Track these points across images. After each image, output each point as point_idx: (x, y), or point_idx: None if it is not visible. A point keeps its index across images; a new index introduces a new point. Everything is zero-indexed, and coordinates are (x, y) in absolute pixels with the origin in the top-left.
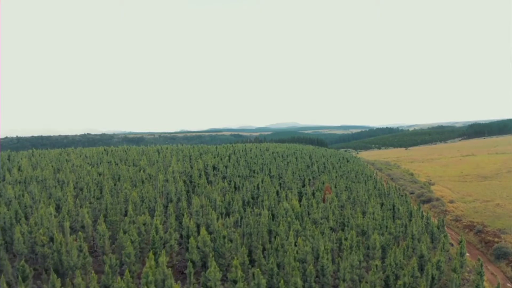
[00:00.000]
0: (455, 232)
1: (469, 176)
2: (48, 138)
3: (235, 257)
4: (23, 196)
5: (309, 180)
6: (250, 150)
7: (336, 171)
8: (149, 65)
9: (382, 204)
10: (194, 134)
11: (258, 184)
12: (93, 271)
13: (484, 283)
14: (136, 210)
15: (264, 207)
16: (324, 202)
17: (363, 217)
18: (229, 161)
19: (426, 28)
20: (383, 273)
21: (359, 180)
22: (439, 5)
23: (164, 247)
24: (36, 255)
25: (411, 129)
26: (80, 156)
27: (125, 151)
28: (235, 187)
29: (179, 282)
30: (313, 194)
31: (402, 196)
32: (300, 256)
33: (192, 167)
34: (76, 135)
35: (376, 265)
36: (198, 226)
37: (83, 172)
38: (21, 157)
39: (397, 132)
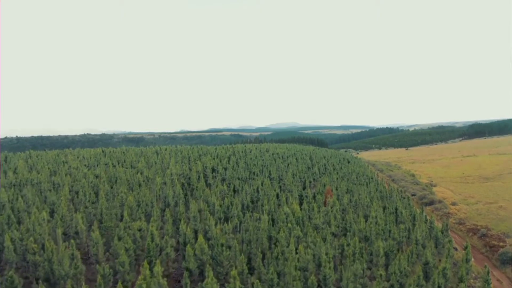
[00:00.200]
0: (459, 236)
1: (471, 177)
2: (48, 138)
3: (234, 265)
4: (16, 200)
5: (310, 182)
6: (250, 151)
7: (337, 173)
8: (149, 65)
9: (384, 208)
10: (194, 134)
11: (258, 187)
12: (84, 282)
13: None
14: (132, 215)
15: (264, 211)
16: (325, 206)
17: (366, 222)
18: (229, 163)
19: (426, 28)
20: (387, 281)
21: (361, 181)
22: (439, 5)
23: (160, 254)
24: (28, 263)
25: (411, 129)
26: (78, 157)
27: (124, 152)
28: (234, 190)
29: None
30: (314, 197)
31: (404, 198)
32: (301, 265)
33: (190, 169)
34: (76, 135)
35: (381, 275)
36: (195, 232)
37: (79, 175)
38: (18, 159)
39: (397, 132)
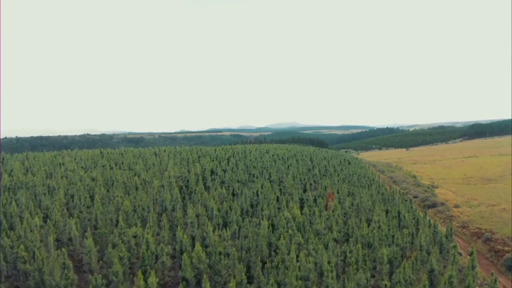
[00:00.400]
0: (463, 240)
1: (473, 178)
2: (48, 138)
3: (232, 275)
4: (10, 204)
5: (311, 184)
6: (250, 153)
7: (338, 175)
8: (149, 65)
9: (387, 211)
10: (194, 134)
11: (257, 190)
12: None
13: None
14: (128, 220)
15: (264, 216)
16: (326, 210)
17: (368, 226)
18: (228, 165)
19: (425, 28)
20: None
21: (362, 183)
22: (439, 5)
23: (155, 262)
24: (19, 272)
25: (411, 129)
26: (75, 159)
27: (122, 153)
28: (233, 194)
29: None
30: (315, 200)
31: (406, 201)
32: (303, 274)
33: (189, 172)
34: (75, 136)
35: (386, 285)
36: (193, 238)
37: (75, 178)
38: (15, 161)
39: (398, 132)
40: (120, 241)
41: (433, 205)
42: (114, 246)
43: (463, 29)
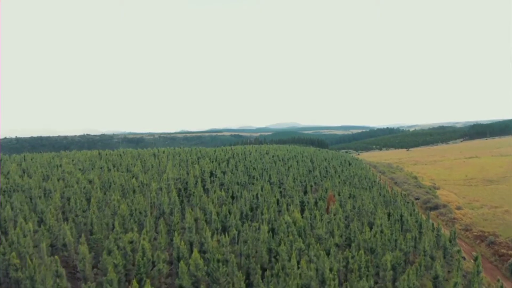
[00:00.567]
0: (466, 243)
1: (474, 179)
2: (48, 138)
3: (231, 283)
4: (4, 208)
5: (311, 186)
6: (250, 154)
7: (339, 176)
8: (149, 65)
9: (389, 214)
10: (194, 134)
11: (257, 193)
12: None
13: None
14: (125, 224)
15: (264, 220)
16: (327, 213)
17: (370, 230)
18: (228, 166)
19: (425, 28)
20: None
21: (363, 185)
22: (439, 5)
23: (152, 269)
24: (11, 279)
25: (411, 129)
26: (73, 161)
27: (120, 155)
28: (232, 197)
29: None
30: (316, 203)
31: (408, 203)
32: (304, 282)
33: (188, 173)
34: (75, 136)
35: None
36: (191, 244)
37: (72, 180)
38: (12, 162)
39: (398, 132)
40: (116, 247)
41: (435, 207)
42: (109, 253)
43: (462, 29)
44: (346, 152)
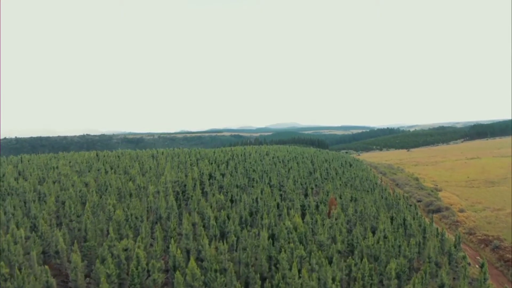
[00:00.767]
0: (470, 248)
1: (476, 181)
2: (47, 139)
3: None
4: None
5: (312, 189)
6: (250, 155)
7: (340, 178)
8: (149, 65)
9: (392, 218)
10: (194, 134)
11: (257, 197)
12: None
13: None
14: (120, 230)
15: (264, 226)
16: (329, 217)
17: (373, 235)
18: (227, 168)
19: (425, 28)
20: None
21: (364, 187)
22: (439, 5)
23: (147, 279)
24: None
25: (411, 129)
26: (70, 162)
27: (118, 156)
28: (231, 200)
29: None
30: (317, 207)
31: (411, 205)
32: None
33: (186, 176)
34: (75, 136)
35: None
36: (188, 251)
37: (67, 183)
38: (8, 164)
39: (398, 132)
40: (110, 255)
41: (438, 210)
42: (103, 260)
43: (462, 29)
44: (346, 152)
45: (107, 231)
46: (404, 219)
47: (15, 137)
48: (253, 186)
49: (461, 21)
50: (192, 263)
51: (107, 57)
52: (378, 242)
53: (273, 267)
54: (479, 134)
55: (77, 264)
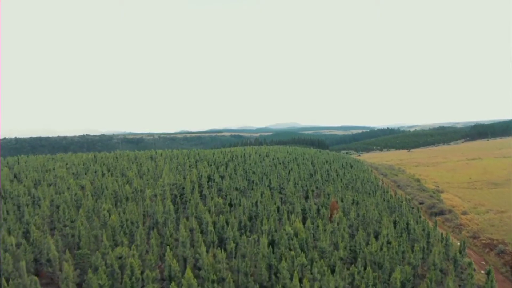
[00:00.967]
0: (474, 252)
1: (478, 182)
2: (47, 139)
3: None
4: None
5: (313, 191)
6: (249, 156)
7: (341, 180)
8: (149, 65)
9: (395, 222)
10: (194, 134)
11: (257, 201)
12: None
13: None
14: (115, 236)
15: (263, 232)
16: (331, 222)
17: (376, 241)
18: (226, 170)
19: (425, 28)
20: None
21: (366, 189)
22: (439, 5)
23: None
24: None
25: (412, 129)
26: (66, 164)
27: (116, 157)
28: (230, 204)
29: None
30: (318, 211)
31: (413, 208)
32: None
33: (185, 178)
34: (75, 136)
35: None
36: (184, 260)
37: (63, 186)
38: (5, 166)
39: (398, 133)
40: (103, 263)
41: (441, 213)
42: (96, 269)
43: (462, 29)
44: (346, 153)
45: (102, 237)
46: (407, 223)
47: (15, 137)
48: (252, 189)
49: (462, 21)
50: (189, 273)
51: (107, 57)
52: (381, 249)
53: (273, 276)
54: (479, 134)
55: (68, 274)
